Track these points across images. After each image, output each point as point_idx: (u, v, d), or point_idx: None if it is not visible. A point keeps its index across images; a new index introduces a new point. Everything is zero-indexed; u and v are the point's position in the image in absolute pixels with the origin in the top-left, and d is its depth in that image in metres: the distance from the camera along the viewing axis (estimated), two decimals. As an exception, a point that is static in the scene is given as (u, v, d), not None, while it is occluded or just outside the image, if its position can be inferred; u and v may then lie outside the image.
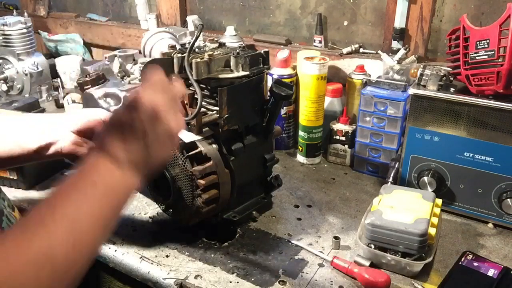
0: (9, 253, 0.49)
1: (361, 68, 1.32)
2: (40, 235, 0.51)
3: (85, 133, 0.88)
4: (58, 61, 1.83)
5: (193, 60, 0.90)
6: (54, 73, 1.82)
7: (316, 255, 0.95)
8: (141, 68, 1.18)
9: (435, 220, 0.92)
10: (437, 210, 0.96)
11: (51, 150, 0.86)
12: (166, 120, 0.62)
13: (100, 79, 1.25)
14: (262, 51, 0.98)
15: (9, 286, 0.47)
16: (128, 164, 0.60)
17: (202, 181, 0.91)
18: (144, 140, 0.61)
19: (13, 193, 1.14)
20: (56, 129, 0.87)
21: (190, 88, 0.95)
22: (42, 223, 0.52)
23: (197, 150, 0.92)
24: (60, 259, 0.51)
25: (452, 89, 1.02)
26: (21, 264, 0.49)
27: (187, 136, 0.92)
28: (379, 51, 1.38)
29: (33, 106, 1.58)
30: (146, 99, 0.61)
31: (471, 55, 0.96)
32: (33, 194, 1.16)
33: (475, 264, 0.90)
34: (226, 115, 0.94)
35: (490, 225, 1.06)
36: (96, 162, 0.59)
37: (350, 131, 1.29)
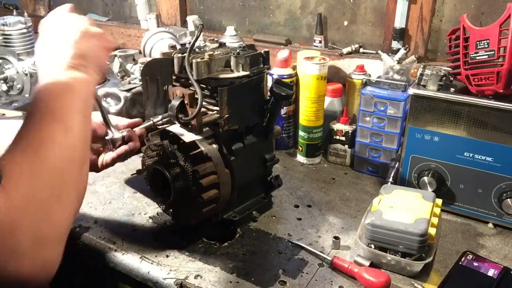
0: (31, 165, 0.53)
1: (361, 68, 1.32)
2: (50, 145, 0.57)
3: None
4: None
5: (194, 60, 0.90)
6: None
7: (316, 255, 0.95)
8: (141, 68, 1.18)
9: (435, 220, 0.92)
10: (437, 210, 0.96)
11: None
12: (63, 20, 0.72)
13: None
14: (262, 51, 0.98)
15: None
16: (73, 70, 0.68)
17: (202, 181, 0.91)
18: (72, 47, 0.69)
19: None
20: None
21: (191, 88, 0.95)
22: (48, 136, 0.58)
23: (197, 150, 0.92)
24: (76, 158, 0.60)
25: (452, 89, 1.02)
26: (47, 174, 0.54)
27: (187, 136, 0.92)
28: (379, 51, 1.38)
29: (33, 106, 1.58)
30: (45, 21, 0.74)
31: (471, 55, 0.96)
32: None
33: (475, 264, 0.90)
34: (226, 115, 0.94)
35: (490, 225, 1.06)
36: (52, 82, 0.66)
37: (350, 131, 1.29)
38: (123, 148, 0.92)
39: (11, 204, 0.49)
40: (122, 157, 0.94)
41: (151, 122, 0.94)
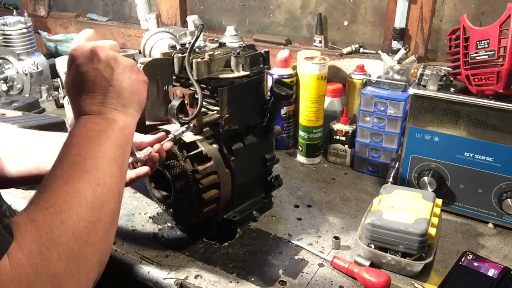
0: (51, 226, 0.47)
1: (361, 68, 1.32)
2: (72, 201, 0.51)
3: None
4: (58, 61, 1.83)
5: (194, 60, 0.90)
6: (54, 73, 1.82)
7: (316, 255, 0.95)
8: (141, 68, 1.18)
9: (435, 220, 0.92)
10: (437, 210, 0.96)
11: None
12: (105, 55, 0.63)
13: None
14: (262, 51, 0.98)
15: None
16: (109, 111, 0.61)
17: (202, 181, 0.91)
18: (106, 81, 0.62)
19: (13, 194, 1.14)
20: None
21: (191, 88, 0.95)
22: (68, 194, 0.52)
23: (197, 150, 0.92)
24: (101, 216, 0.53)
25: (452, 89, 1.02)
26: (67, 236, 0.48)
27: (187, 136, 0.92)
28: (379, 51, 1.38)
29: (33, 106, 1.58)
30: (79, 50, 0.63)
31: (471, 55, 0.96)
32: (33, 194, 1.15)
33: (475, 264, 0.90)
34: (227, 115, 0.94)
35: (490, 225, 1.06)
36: (85, 126, 0.60)
37: (350, 131, 1.29)
38: (144, 170, 0.84)
39: (19, 272, 0.43)
40: (140, 179, 0.86)
41: (173, 136, 0.90)
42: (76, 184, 0.52)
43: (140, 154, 0.83)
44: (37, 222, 0.47)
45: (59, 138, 0.88)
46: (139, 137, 0.87)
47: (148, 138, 0.88)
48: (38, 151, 0.83)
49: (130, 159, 0.82)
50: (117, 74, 0.63)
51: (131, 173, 0.83)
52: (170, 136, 0.88)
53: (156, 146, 0.85)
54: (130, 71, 0.66)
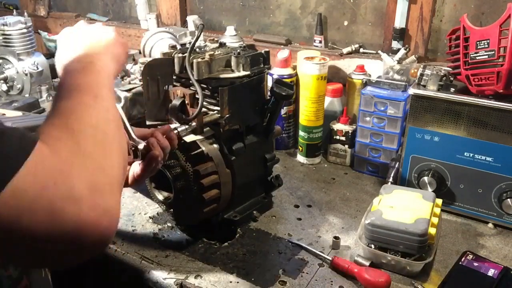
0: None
1: (361, 68, 1.32)
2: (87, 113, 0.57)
3: None
4: (58, 61, 1.83)
5: (194, 60, 0.90)
6: (54, 73, 1.81)
7: (316, 255, 0.95)
8: (141, 68, 1.18)
9: (435, 220, 0.92)
10: (437, 210, 0.96)
11: None
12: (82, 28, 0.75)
13: (100, 79, 1.25)
14: (263, 51, 0.98)
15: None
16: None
17: (203, 181, 0.91)
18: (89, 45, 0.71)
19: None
20: None
21: (191, 88, 0.95)
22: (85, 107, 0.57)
23: (198, 150, 0.92)
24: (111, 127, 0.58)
25: (452, 89, 1.02)
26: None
27: (188, 136, 0.92)
28: (379, 51, 1.38)
29: (33, 106, 1.58)
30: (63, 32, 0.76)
31: (471, 55, 0.96)
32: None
33: (475, 264, 0.90)
34: (227, 115, 0.94)
35: (490, 225, 1.06)
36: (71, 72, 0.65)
37: (350, 131, 1.29)
38: (155, 153, 0.81)
39: (57, 155, 0.48)
40: (153, 166, 0.82)
41: (176, 131, 0.89)
42: (78, 100, 0.58)
43: (138, 140, 0.82)
44: (56, 123, 0.53)
45: None
46: (143, 132, 0.86)
47: (150, 130, 0.87)
48: None
49: (130, 143, 0.82)
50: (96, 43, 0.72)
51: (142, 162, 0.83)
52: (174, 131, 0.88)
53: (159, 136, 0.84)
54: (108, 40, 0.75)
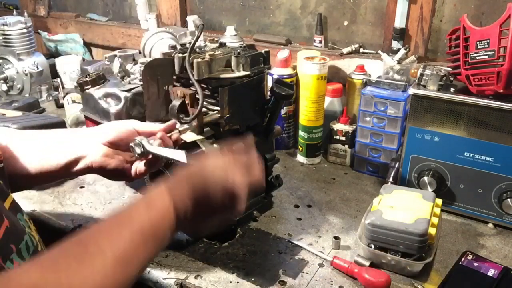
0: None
1: (361, 68, 1.32)
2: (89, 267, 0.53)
3: (117, 145, 0.85)
4: (58, 61, 1.83)
5: (194, 60, 0.90)
6: (54, 73, 1.82)
7: (316, 255, 0.95)
8: (141, 68, 1.18)
9: (435, 220, 0.92)
10: (437, 210, 0.96)
11: (80, 164, 0.82)
12: (242, 203, 0.65)
13: (100, 79, 1.25)
14: (263, 51, 0.98)
15: None
16: (178, 225, 0.63)
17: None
18: (211, 216, 0.65)
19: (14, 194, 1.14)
20: (85, 142, 0.83)
21: (191, 88, 0.95)
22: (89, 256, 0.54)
23: (198, 150, 0.92)
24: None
25: (452, 89, 1.02)
26: None
27: (188, 136, 0.92)
28: (379, 51, 1.38)
29: (33, 106, 1.58)
30: (233, 178, 0.64)
31: (471, 55, 0.96)
32: (33, 194, 1.16)
33: (475, 264, 0.90)
34: (227, 115, 0.94)
35: (490, 225, 1.06)
36: (160, 203, 0.62)
37: (350, 131, 1.29)
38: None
39: None
40: (156, 165, 0.87)
41: (177, 131, 0.90)
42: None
43: (149, 145, 0.82)
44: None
45: (60, 135, 0.88)
46: (148, 126, 0.87)
47: (158, 126, 0.88)
48: (47, 147, 0.84)
49: (139, 151, 0.82)
50: (214, 218, 0.67)
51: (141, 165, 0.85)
52: (175, 131, 0.88)
53: (160, 134, 0.86)
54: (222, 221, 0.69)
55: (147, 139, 0.83)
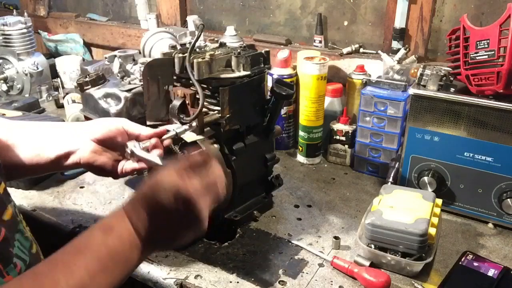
0: None
1: (361, 68, 1.32)
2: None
3: (106, 142, 0.86)
4: (58, 61, 1.83)
5: (195, 60, 0.90)
6: (54, 73, 1.82)
7: (316, 255, 0.95)
8: (141, 68, 1.18)
9: (435, 220, 0.92)
10: (437, 210, 0.96)
11: (70, 159, 0.84)
12: (198, 209, 0.64)
13: (100, 79, 1.25)
14: (263, 51, 0.98)
15: None
16: (145, 243, 0.63)
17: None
18: (171, 226, 0.64)
19: (13, 194, 1.14)
20: (76, 137, 0.85)
21: (192, 88, 0.95)
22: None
23: (199, 150, 0.91)
24: None
25: (452, 89, 1.02)
26: None
27: (189, 136, 0.92)
28: (379, 51, 1.38)
29: (33, 106, 1.58)
30: (185, 184, 0.63)
31: (471, 55, 0.96)
32: (33, 193, 1.16)
33: (475, 264, 0.91)
34: (228, 115, 0.94)
35: (490, 225, 1.06)
36: (118, 226, 0.62)
37: (350, 131, 1.29)
38: (136, 166, 0.86)
39: None
40: (143, 171, 0.89)
41: (174, 132, 0.90)
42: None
43: (137, 150, 0.83)
44: None
45: (53, 129, 0.89)
46: (137, 129, 0.88)
47: (147, 131, 0.88)
48: (38, 140, 0.85)
49: (129, 150, 0.83)
50: (182, 233, 0.65)
51: (136, 165, 0.85)
52: (171, 132, 0.89)
53: (153, 140, 0.86)
54: (194, 232, 0.66)
55: (139, 143, 0.84)
